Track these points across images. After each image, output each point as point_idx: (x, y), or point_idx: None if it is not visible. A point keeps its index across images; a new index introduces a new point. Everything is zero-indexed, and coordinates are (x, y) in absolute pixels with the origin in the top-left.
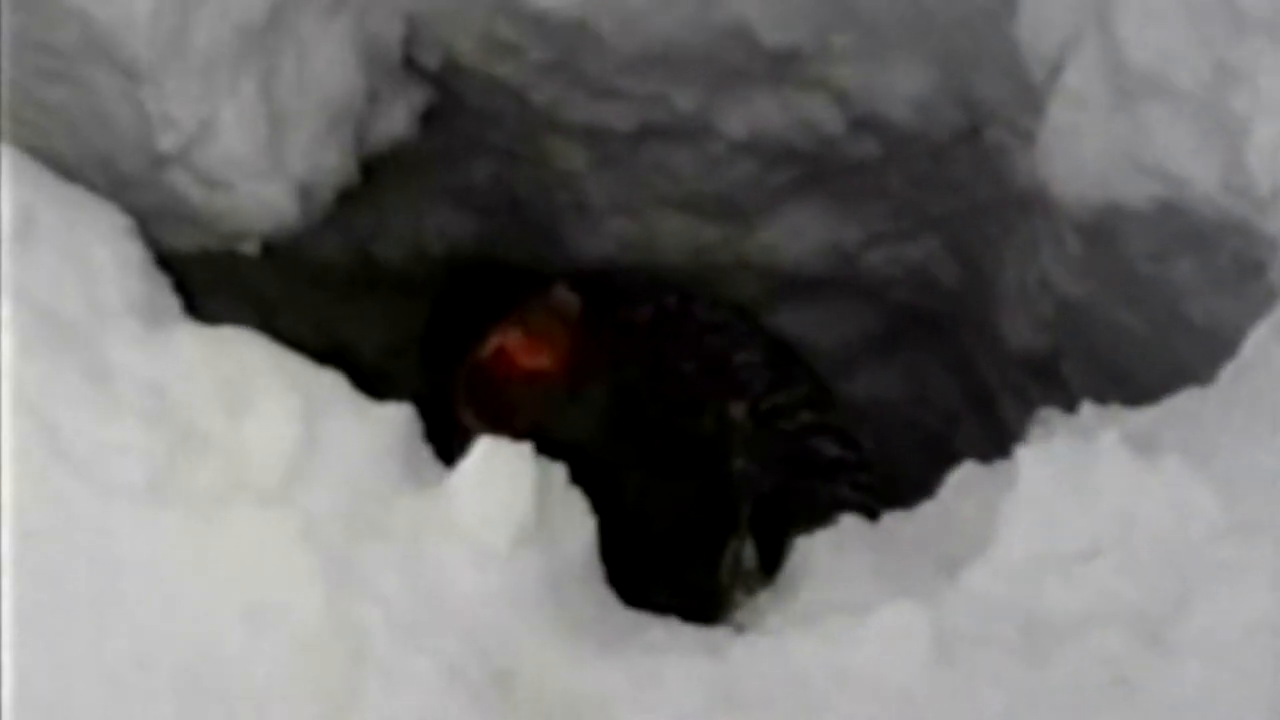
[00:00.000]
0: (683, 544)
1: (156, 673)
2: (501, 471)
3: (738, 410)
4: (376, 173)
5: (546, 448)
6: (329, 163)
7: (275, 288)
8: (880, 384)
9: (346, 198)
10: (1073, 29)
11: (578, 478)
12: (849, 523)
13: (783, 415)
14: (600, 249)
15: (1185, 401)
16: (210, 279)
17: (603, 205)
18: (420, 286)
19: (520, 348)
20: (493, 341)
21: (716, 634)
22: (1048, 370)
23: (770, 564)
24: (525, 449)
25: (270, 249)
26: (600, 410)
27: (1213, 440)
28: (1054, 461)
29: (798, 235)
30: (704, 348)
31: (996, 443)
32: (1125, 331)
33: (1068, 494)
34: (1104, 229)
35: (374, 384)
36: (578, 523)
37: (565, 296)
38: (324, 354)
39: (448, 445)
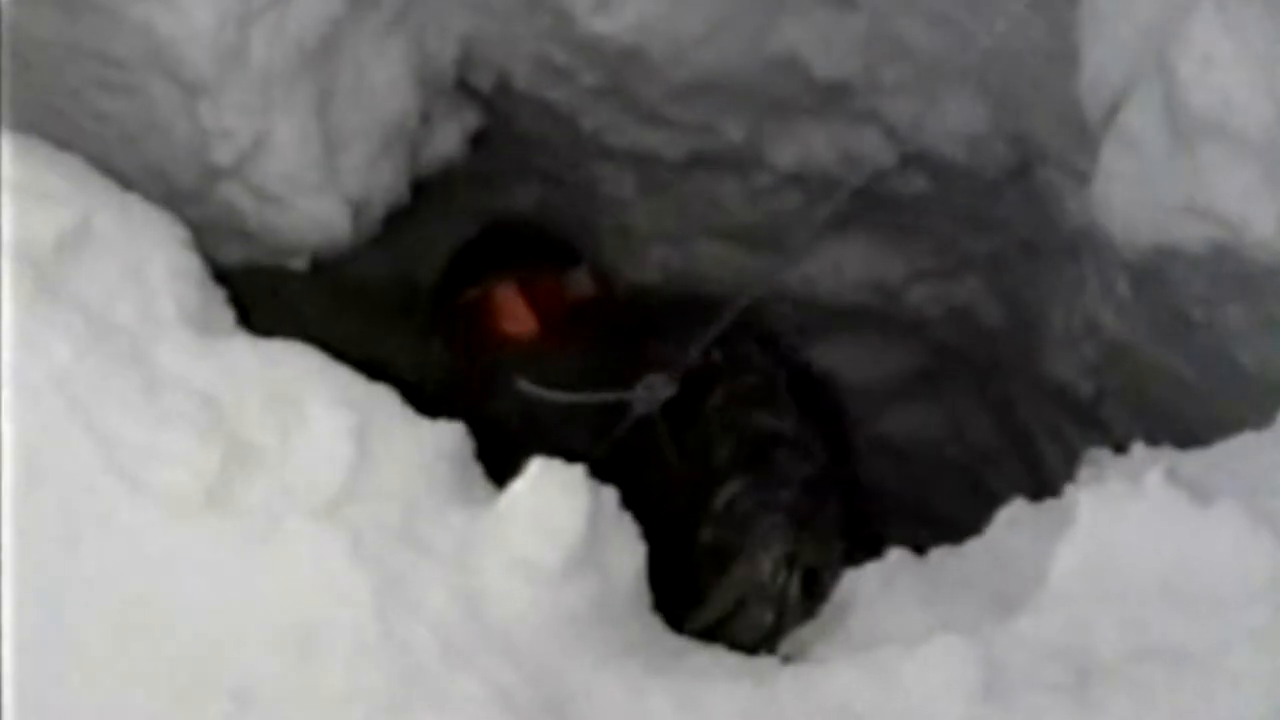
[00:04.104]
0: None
1: (204, 688)
2: (554, 493)
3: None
4: (422, 194)
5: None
6: (381, 181)
7: (315, 305)
8: (917, 422)
9: (391, 218)
10: (1132, 70)
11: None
12: (896, 555)
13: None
14: (642, 276)
15: (1240, 445)
16: (250, 294)
17: (647, 232)
18: None
19: (509, 303)
20: (487, 286)
21: (762, 662)
22: (1089, 412)
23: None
24: (578, 471)
25: (314, 266)
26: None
27: (1270, 484)
28: (1108, 503)
29: (840, 269)
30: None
31: (1034, 484)
32: (1171, 375)
33: (1123, 536)
34: (1155, 271)
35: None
36: (628, 548)
37: (582, 279)
38: (362, 372)
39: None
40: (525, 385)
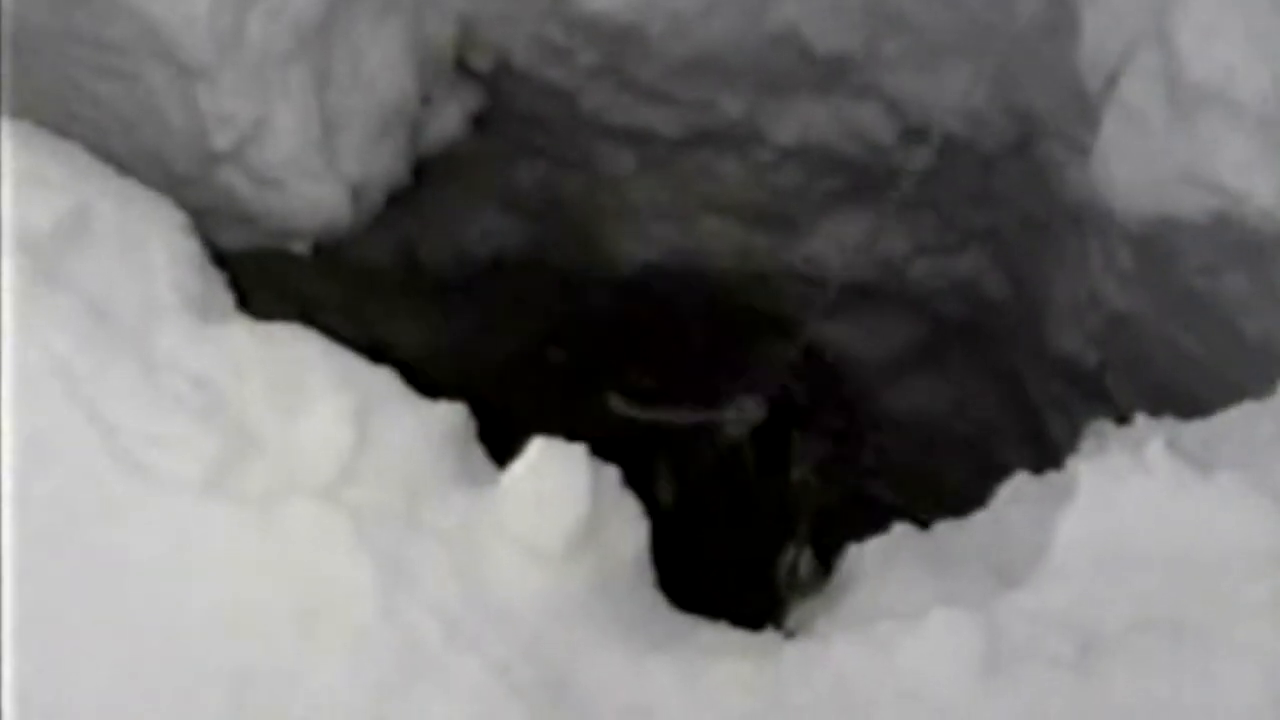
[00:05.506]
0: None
1: (206, 671)
2: (555, 474)
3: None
4: (423, 175)
5: None
6: (381, 164)
7: (317, 287)
8: (922, 395)
9: (392, 199)
10: (1130, 42)
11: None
12: (900, 530)
13: None
14: (644, 254)
15: (1242, 415)
16: (252, 277)
17: (648, 210)
18: (461, 290)
19: None
20: None
21: (766, 638)
22: (1092, 384)
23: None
24: (579, 450)
25: (315, 249)
26: None
27: (1271, 454)
28: (1110, 475)
29: (843, 245)
30: None
31: (1038, 455)
32: (1175, 346)
33: (1124, 508)
34: (1157, 242)
35: (414, 385)
36: (630, 526)
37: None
38: (364, 354)
39: None
40: (617, 403)
